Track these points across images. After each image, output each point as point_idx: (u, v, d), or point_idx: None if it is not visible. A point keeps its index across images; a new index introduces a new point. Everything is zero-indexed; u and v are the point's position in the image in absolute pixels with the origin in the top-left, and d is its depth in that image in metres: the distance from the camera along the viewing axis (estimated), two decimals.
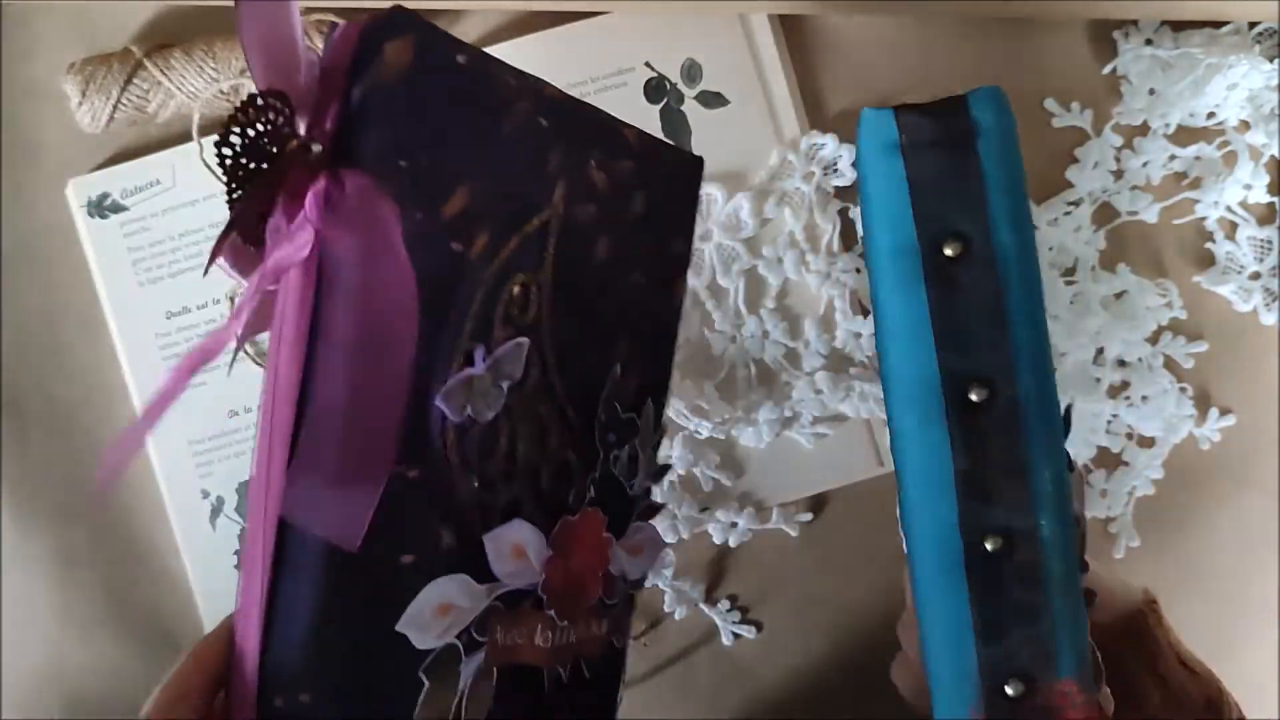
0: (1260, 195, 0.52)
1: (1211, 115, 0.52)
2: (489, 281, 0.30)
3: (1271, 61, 0.50)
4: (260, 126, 0.26)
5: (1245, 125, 0.52)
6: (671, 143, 0.39)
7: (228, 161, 0.27)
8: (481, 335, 0.30)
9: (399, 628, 0.29)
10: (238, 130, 0.26)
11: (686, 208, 0.39)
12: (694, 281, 0.51)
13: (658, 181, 0.37)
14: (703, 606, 0.52)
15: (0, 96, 0.51)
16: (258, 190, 0.27)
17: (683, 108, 0.50)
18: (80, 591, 0.51)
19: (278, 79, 0.27)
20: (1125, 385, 0.52)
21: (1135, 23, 0.52)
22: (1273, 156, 0.52)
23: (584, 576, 0.34)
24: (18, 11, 0.51)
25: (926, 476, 0.30)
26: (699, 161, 0.40)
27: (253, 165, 0.27)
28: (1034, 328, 0.30)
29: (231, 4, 0.49)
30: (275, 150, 0.27)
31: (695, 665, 0.53)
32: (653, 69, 0.50)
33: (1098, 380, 0.52)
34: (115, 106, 0.48)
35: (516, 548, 0.32)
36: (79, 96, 0.48)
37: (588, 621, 0.35)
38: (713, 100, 0.50)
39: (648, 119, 0.50)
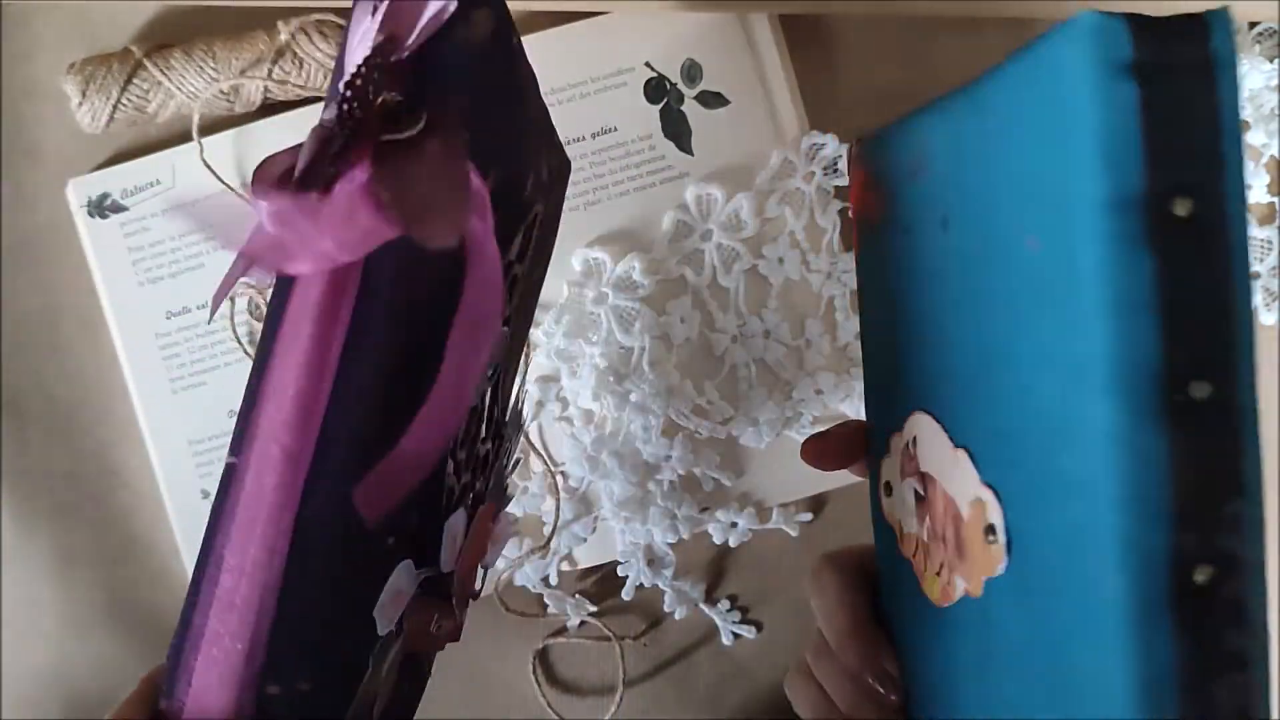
0: (1260, 195, 0.52)
1: None
2: (506, 266, 0.29)
3: (1271, 61, 0.50)
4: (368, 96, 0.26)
5: (1245, 125, 0.52)
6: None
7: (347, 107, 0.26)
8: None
9: (375, 612, 0.29)
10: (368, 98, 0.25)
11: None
12: (694, 280, 0.51)
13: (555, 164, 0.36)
14: (703, 606, 0.52)
15: (0, 96, 0.51)
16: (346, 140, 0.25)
17: (683, 108, 0.50)
18: (80, 591, 0.51)
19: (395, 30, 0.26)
20: None
21: None
22: (1273, 156, 0.52)
23: (474, 566, 0.34)
24: (18, 11, 0.51)
25: (1133, 489, 0.24)
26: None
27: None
28: (1249, 319, 0.24)
29: (232, 4, 0.49)
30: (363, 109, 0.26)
31: (695, 665, 0.53)
32: (653, 69, 0.50)
33: None
34: (115, 106, 0.48)
35: (453, 535, 0.32)
36: (79, 96, 0.48)
37: (461, 611, 0.34)
38: (713, 100, 0.50)
39: (648, 119, 0.50)
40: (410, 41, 0.26)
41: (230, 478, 0.27)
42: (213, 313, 0.35)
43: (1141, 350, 0.23)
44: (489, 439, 0.34)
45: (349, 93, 0.25)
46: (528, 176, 0.31)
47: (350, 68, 0.25)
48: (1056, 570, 0.26)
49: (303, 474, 0.27)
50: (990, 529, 0.29)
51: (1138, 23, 0.23)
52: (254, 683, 0.27)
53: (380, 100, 0.25)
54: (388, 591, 0.29)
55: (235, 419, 0.28)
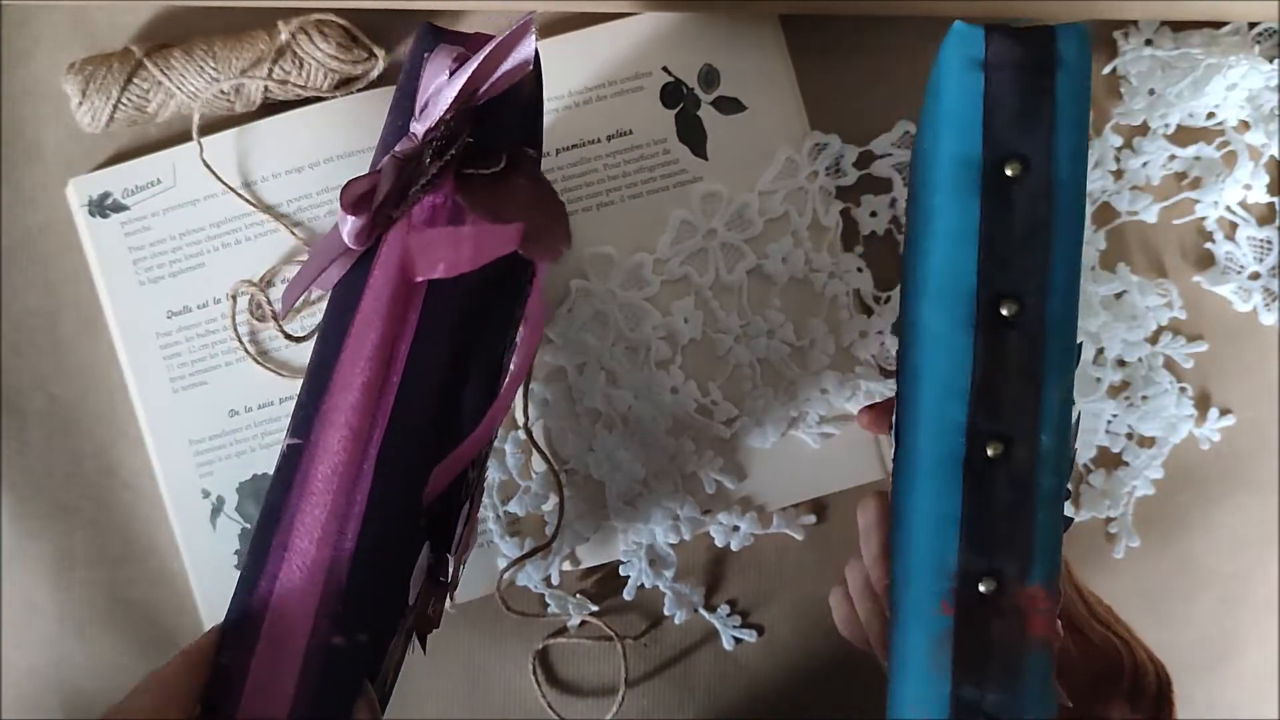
0: (1260, 195, 0.52)
1: (1211, 115, 0.52)
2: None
3: (1271, 61, 0.50)
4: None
5: (1245, 125, 0.52)
6: None
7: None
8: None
9: (411, 582, 0.33)
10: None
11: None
12: (698, 280, 0.51)
13: None
14: (703, 612, 0.52)
15: (0, 96, 0.51)
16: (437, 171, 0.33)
17: (699, 113, 0.50)
18: (80, 591, 0.51)
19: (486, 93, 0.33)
20: (1125, 385, 0.52)
21: (1135, 23, 0.52)
22: (1272, 156, 0.52)
23: (461, 557, 0.38)
24: (18, 11, 0.51)
25: (944, 378, 0.31)
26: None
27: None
28: (1072, 260, 0.31)
29: (232, 4, 0.49)
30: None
31: (695, 665, 0.53)
32: (670, 74, 0.50)
33: (1098, 380, 0.52)
34: (115, 106, 0.48)
35: (461, 525, 0.36)
36: (79, 96, 0.48)
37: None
38: (729, 105, 0.50)
39: (664, 123, 0.50)
40: (483, 91, 0.33)
41: (298, 457, 0.32)
42: (284, 313, 0.42)
43: (964, 272, 0.31)
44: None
45: (441, 130, 0.32)
46: None
47: (435, 112, 0.32)
48: (905, 435, 0.34)
49: (373, 454, 0.32)
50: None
51: (993, 30, 0.31)
52: (324, 630, 0.31)
53: (460, 140, 0.33)
54: (418, 568, 0.33)
55: (295, 407, 0.33)
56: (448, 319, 0.32)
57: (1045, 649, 0.31)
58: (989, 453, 0.31)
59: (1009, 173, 0.31)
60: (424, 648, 0.39)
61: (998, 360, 0.31)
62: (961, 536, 0.31)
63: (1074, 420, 0.32)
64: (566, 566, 0.51)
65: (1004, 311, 0.31)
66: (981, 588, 0.31)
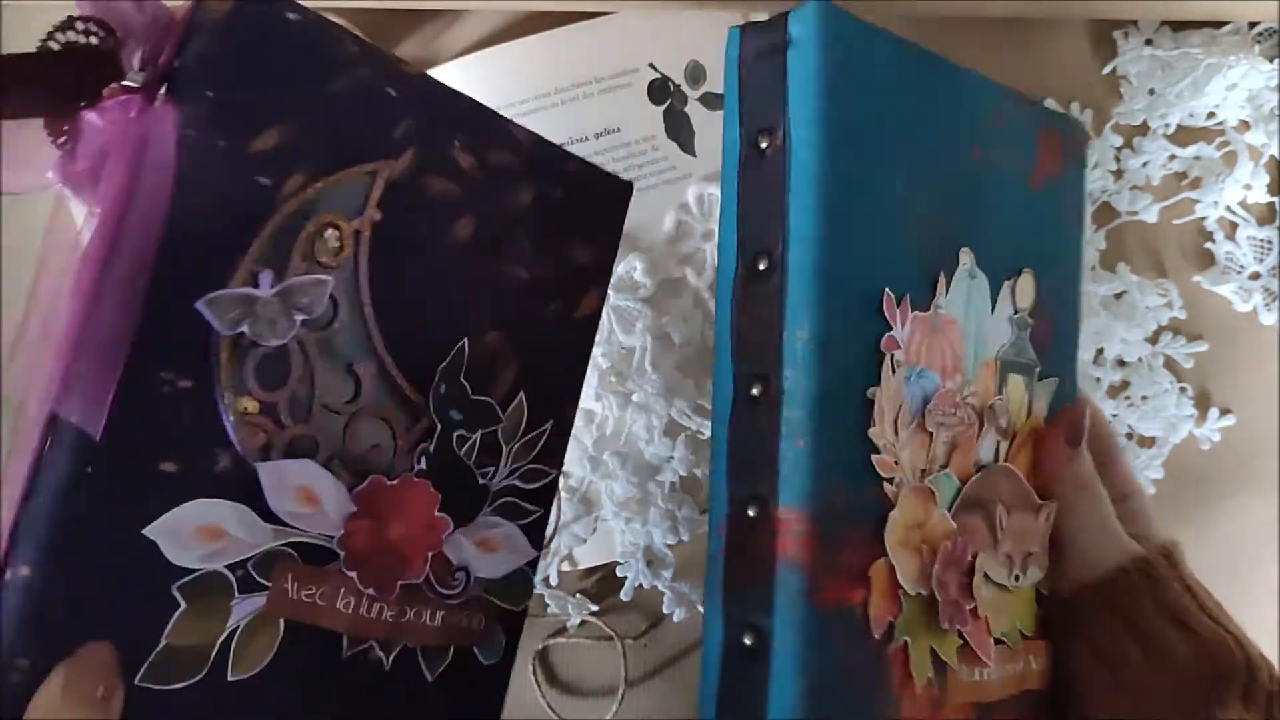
0: (1260, 195, 0.52)
1: (1211, 115, 0.52)
2: (287, 213, 0.32)
3: (1271, 61, 0.50)
4: (72, 39, 0.31)
5: (1245, 125, 0.52)
6: (596, 167, 0.40)
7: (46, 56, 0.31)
8: (271, 262, 0.32)
9: (148, 532, 0.30)
10: (52, 38, 0.31)
11: (602, 224, 0.40)
12: (695, 282, 0.51)
13: (558, 186, 0.38)
14: (701, 609, 0.52)
15: None
16: (60, 91, 0.31)
17: (686, 109, 0.50)
18: None
19: (106, 12, 0.31)
20: (1125, 385, 0.52)
21: (1135, 23, 0.52)
22: (1272, 156, 0.52)
23: (403, 548, 0.34)
24: (18, 12, 0.51)
25: (722, 331, 0.36)
26: (627, 187, 0.41)
27: (65, 74, 0.31)
28: (813, 211, 0.34)
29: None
30: (87, 65, 0.31)
31: (695, 665, 0.53)
32: (656, 70, 0.50)
33: (1098, 380, 0.52)
34: None
35: (303, 490, 0.32)
36: None
37: (413, 606, 0.35)
38: (716, 101, 0.50)
39: (651, 120, 0.50)
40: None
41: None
42: None
43: (730, 240, 0.35)
44: (387, 406, 0.34)
45: None
46: (353, 136, 0.34)
47: None
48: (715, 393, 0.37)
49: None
50: None
51: (744, 27, 0.36)
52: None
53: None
54: (178, 518, 0.30)
55: None
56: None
57: (795, 568, 0.33)
58: (753, 392, 0.34)
59: (762, 145, 0.35)
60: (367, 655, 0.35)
61: (752, 309, 0.35)
62: (729, 466, 0.35)
63: (891, 365, 0.35)
64: (565, 567, 0.51)
65: (760, 266, 0.35)
66: (750, 512, 0.34)
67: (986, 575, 0.37)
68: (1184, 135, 0.52)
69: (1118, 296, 0.52)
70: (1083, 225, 0.43)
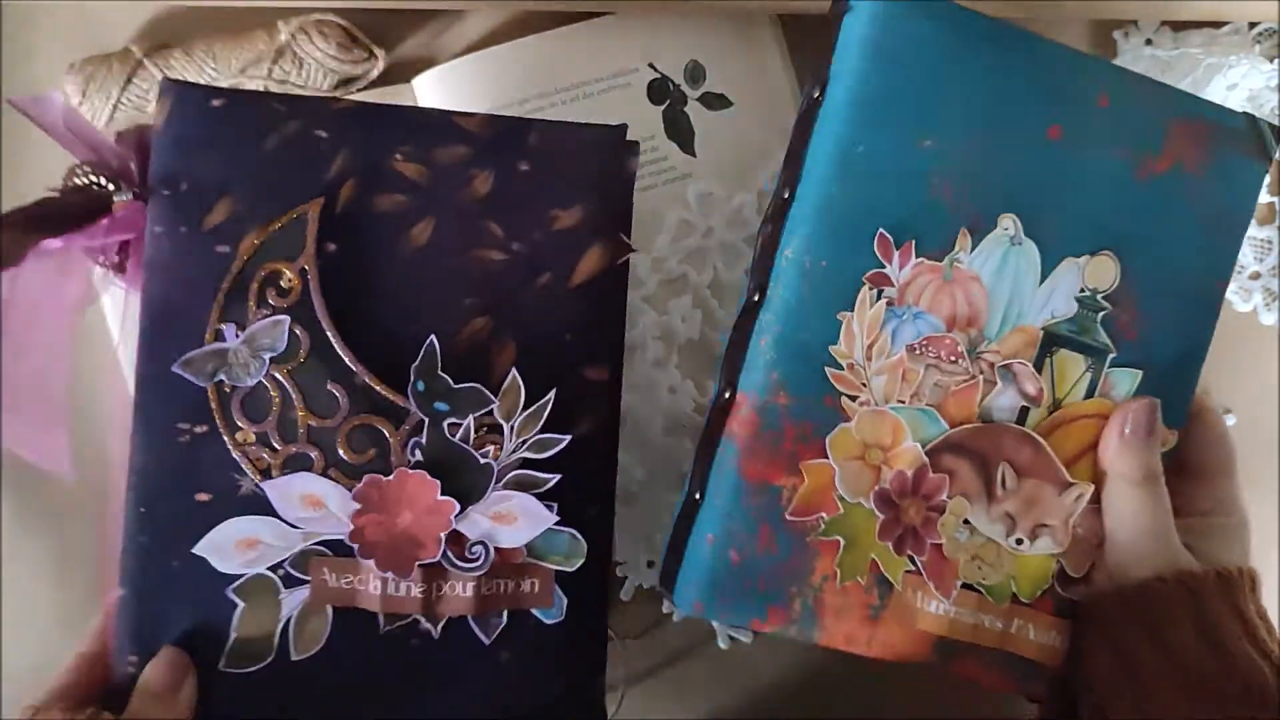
0: (1260, 195, 0.52)
1: None
2: (236, 271, 0.38)
3: (1271, 61, 0.50)
4: (78, 182, 0.38)
5: None
6: (568, 124, 0.41)
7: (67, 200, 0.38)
8: (233, 315, 0.38)
9: (198, 550, 0.37)
10: (64, 187, 0.38)
11: (587, 179, 0.40)
12: (696, 280, 0.51)
13: (521, 161, 0.39)
14: None
15: (0, 96, 0.51)
16: (70, 216, 0.38)
17: (686, 109, 0.50)
18: (79, 591, 0.51)
19: (86, 153, 0.38)
20: None
21: (1135, 23, 0.52)
22: None
23: (414, 533, 0.38)
24: (18, 11, 0.51)
25: (754, 256, 0.42)
26: (615, 130, 0.40)
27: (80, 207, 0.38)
28: (823, 155, 0.39)
29: (232, 4, 0.49)
30: (92, 197, 0.38)
31: (694, 665, 0.53)
32: (656, 70, 0.50)
33: None
34: (115, 107, 0.48)
35: (308, 497, 0.38)
36: (79, 96, 0.48)
37: (437, 581, 0.38)
38: (716, 101, 0.50)
39: (651, 120, 0.50)
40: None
41: None
42: None
43: (777, 181, 0.42)
44: (368, 414, 0.38)
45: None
46: (290, 186, 0.38)
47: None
48: None
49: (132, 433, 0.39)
50: None
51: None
52: None
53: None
54: (219, 536, 0.37)
55: None
56: None
57: (733, 442, 0.39)
58: (753, 300, 0.40)
59: (814, 94, 0.40)
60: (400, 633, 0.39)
61: (771, 230, 0.40)
62: (723, 360, 0.41)
63: (864, 296, 0.39)
64: None
65: (784, 195, 0.40)
66: (725, 396, 0.40)
67: (968, 521, 0.40)
68: None
69: None
70: (1232, 229, 0.42)
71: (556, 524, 0.39)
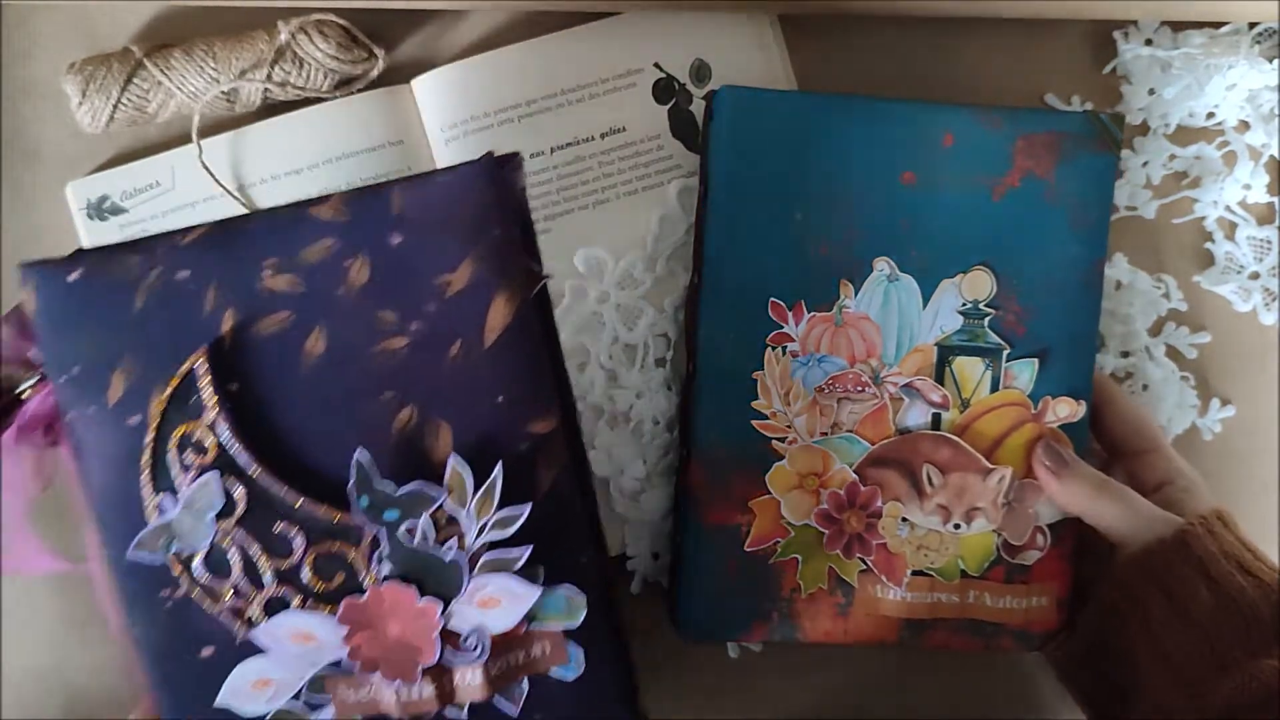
0: (1260, 195, 0.52)
1: (1211, 115, 0.52)
2: (149, 441, 0.37)
3: (1271, 61, 0.50)
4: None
5: (1245, 125, 0.52)
6: (433, 172, 0.38)
7: None
8: (164, 486, 0.37)
9: (218, 703, 0.37)
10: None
11: (469, 226, 0.37)
12: (684, 277, 0.51)
13: (390, 234, 0.37)
14: None
15: (0, 96, 0.51)
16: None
17: (691, 108, 0.50)
18: (80, 591, 0.51)
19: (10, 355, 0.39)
20: (1129, 375, 0.52)
21: (1135, 23, 0.52)
22: (1272, 156, 0.52)
23: (410, 642, 0.36)
24: (18, 11, 0.51)
25: (685, 339, 0.49)
26: (479, 162, 0.38)
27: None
28: (715, 241, 0.46)
29: (232, 4, 0.49)
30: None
31: (695, 665, 0.53)
32: (661, 70, 0.50)
33: (1099, 369, 0.52)
34: (115, 106, 0.48)
35: (297, 634, 0.37)
36: (79, 96, 0.48)
37: (446, 676, 0.37)
38: None
39: (657, 119, 0.50)
40: None
41: None
42: None
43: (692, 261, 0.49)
44: (327, 542, 0.37)
45: None
46: (173, 341, 0.37)
47: None
48: None
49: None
50: None
51: (707, 98, 0.47)
52: None
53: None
54: (234, 683, 0.37)
55: None
56: None
57: (693, 495, 0.46)
58: (690, 371, 0.47)
59: (701, 191, 0.47)
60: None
61: (691, 311, 0.47)
62: (679, 423, 0.48)
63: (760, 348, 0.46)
64: None
65: (695, 280, 0.47)
66: (685, 454, 0.47)
67: (906, 519, 0.46)
68: (1184, 135, 0.52)
69: (1117, 288, 0.52)
70: (1097, 215, 0.46)
71: (546, 587, 0.37)
